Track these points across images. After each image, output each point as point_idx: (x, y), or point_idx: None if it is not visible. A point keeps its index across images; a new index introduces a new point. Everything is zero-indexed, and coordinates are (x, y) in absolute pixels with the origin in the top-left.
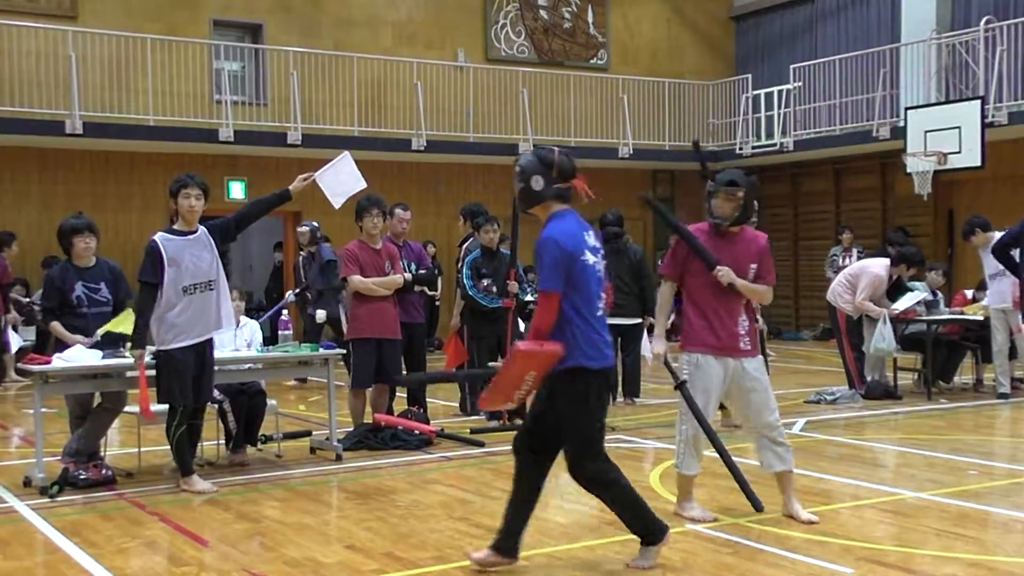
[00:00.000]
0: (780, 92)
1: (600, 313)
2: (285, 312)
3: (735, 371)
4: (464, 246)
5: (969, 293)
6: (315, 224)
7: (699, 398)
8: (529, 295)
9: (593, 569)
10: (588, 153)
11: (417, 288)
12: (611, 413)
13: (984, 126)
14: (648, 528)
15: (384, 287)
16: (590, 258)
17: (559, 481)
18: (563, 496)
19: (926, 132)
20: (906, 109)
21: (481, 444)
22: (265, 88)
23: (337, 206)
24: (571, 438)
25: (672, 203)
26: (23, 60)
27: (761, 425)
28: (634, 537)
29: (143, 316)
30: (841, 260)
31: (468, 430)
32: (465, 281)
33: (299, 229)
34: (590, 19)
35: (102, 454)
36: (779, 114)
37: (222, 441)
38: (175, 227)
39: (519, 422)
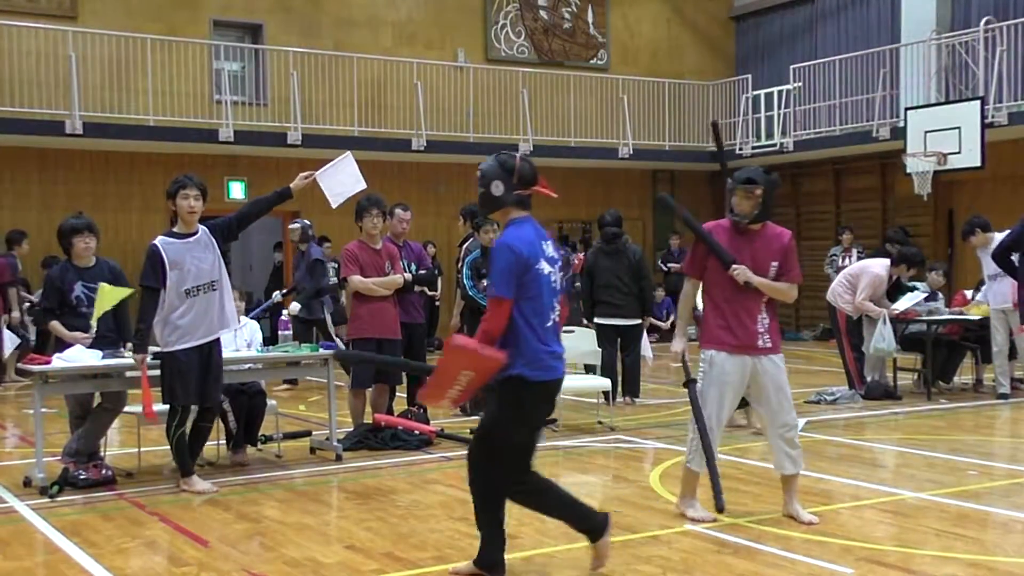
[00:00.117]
0: (780, 92)
1: (551, 324)
2: (285, 312)
3: (753, 369)
4: (464, 246)
5: (969, 293)
6: (307, 222)
7: (712, 394)
8: None
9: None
10: (588, 153)
11: (417, 288)
12: (611, 413)
13: (984, 126)
14: (592, 524)
15: (384, 287)
16: (545, 268)
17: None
18: None
19: (926, 132)
20: (906, 109)
21: None
22: (265, 88)
23: (334, 205)
24: (500, 447)
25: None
26: (23, 60)
27: (776, 424)
28: (634, 536)
29: (144, 320)
30: (841, 260)
31: (468, 430)
32: (465, 281)
33: (291, 226)
34: (590, 19)
35: (102, 454)
36: (779, 114)
37: (222, 441)
38: (175, 230)
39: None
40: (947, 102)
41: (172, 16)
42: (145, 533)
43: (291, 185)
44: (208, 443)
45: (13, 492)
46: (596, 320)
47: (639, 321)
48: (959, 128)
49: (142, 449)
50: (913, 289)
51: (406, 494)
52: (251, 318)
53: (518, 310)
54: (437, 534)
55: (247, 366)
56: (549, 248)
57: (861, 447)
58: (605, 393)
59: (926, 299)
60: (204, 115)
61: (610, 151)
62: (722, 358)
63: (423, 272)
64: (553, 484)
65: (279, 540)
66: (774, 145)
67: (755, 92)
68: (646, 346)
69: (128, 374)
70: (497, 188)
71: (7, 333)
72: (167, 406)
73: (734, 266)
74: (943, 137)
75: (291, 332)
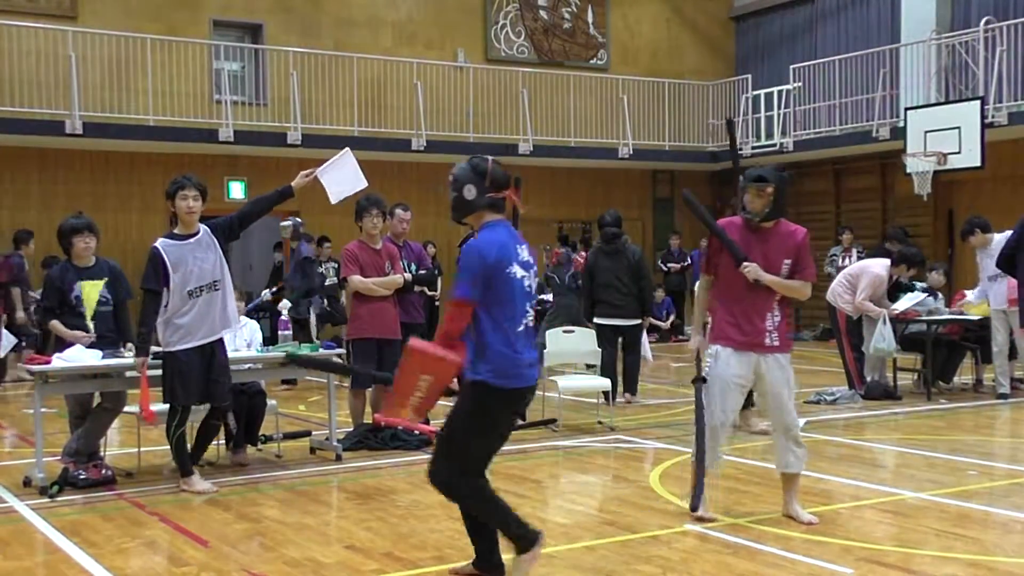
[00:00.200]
0: (780, 92)
1: (522, 328)
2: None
3: (758, 367)
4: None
5: (969, 294)
6: (298, 220)
7: (715, 389)
8: None
9: (593, 569)
10: (588, 153)
11: (417, 288)
12: (611, 413)
13: (984, 126)
14: (527, 532)
15: (384, 287)
16: (518, 272)
17: (559, 482)
18: (563, 496)
19: (926, 132)
20: (906, 109)
21: None
22: (265, 88)
23: (334, 201)
24: (459, 447)
25: (671, 203)
26: (23, 60)
27: (778, 423)
28: (634, 536)
29: (146, 323)
30: (841, 260)
31: None
32: None
33: (282, 224)
34: (590, 19)
35: (102, 454)
36: (779, 114)
37: (222, 441)
38: (176, 231)
39: (519, 422)
40: (947, 102)
41: (172, 16)
42: (145, 533)
43: (292, 183)
44: None
45: (13, 492)
46: (596, 320)
47: (639, 321)
48: (959, 128)
49: (142, 449)
50: (914, 288)
51: (406, 494)
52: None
53: (487, 314)
54: (437, 534)
55: (247, 366)
56: (524, 252)
57: (861, 447)
58: (605, 393)
59: (924, 291)
60: (204, 115)
61: (610, 151)
62: (727, 354)
63: (423, 272)
64: (499, 497)
65: (279, 540)
66: (774, 145)
67: (755, 92)
68: (646, 347)
69: (128, 374)
70: (470, 192)
71: (4, 333)
72: (167, 406)
73: (745, 263)
74: (943, 137)
75: (291, 332)
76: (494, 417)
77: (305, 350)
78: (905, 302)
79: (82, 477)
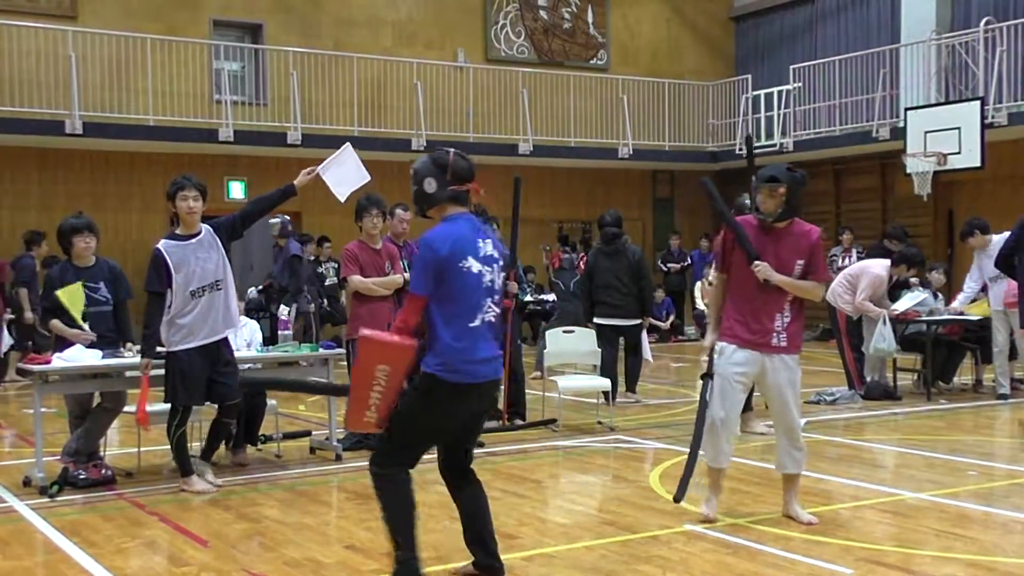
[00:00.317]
0: (780, 92)
1: (476, 324)
2: (285, 312)
3: (763, 366)
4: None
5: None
6: (287, 218)
7: (717, 384)
8: (528, 295)
9: (593, 569)
10: (588, 153)
11: None
12: (611, 413)
13: (984, 127)
14: (407, 562)
15: (384, 287)
16: (475, 266)
17: (559, 482)
18: (563, 496)
19: (926, 133)
20: (906, 110)
21: (480, 444)
22: (265, 88)
23: (342, 199)
24: (396, 430)
25: (671, 203)
26: (23, 60)
27: (780, 424)
28: (634, 536)
29: (151, 325)
30: (841, 260)
31: None
32: None
33: (271, 221)
34: (590, 19)
35: (102, 454)
36: (779, 114)
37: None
38: (177, 232)
39: (519, 422)
40: (947, 102)
41: (172, 16)
42: (145, 533)
43: (295, 182)
44: None
45: (13, 492)
46: (596, 320)
47: (639, 321)
48: (959, 128)
49: (142, 449)
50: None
51: None
52: None
53: (438, 308)
54: (437, 534)
55: (247, 366)
56: (487, 246)
57: (861, 447)
58: (605, 393)
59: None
60: (204, 115)
61: (610, 151)
62: (731, 350)
63: None
64: (413, 502)
65: (279, 540)
66: (774, 145)
67: (755, 92)
68: (646, 348)
69: (128, 374)
70: (430, 185)
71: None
72: (167, 406)
73: (756, 263)
74: (943, 137)
75: (291, 332)
76: (439, 409)
77: (305, 350)
78: (905, 302)
79: (82, 477)
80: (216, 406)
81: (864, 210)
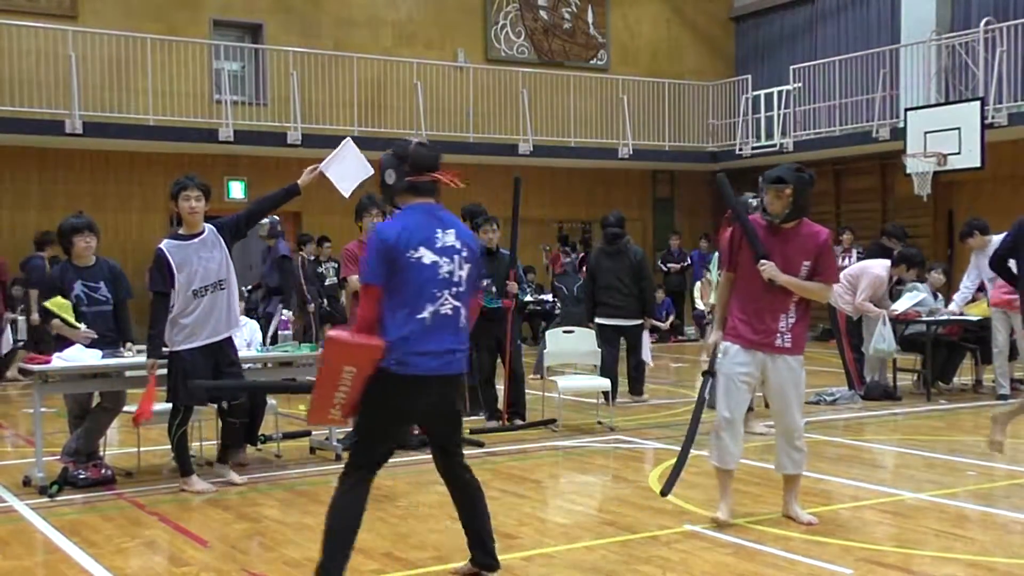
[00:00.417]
0: (780, 93)
1: (424, 316)
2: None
3: (765, 366)
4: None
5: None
6: (276, 218)
7: (719, 383)
8: (528, 295)
9: (593, 569)
10: (588, 153)
11: None
12: (611, 413)
13: (984, 127)
14: (327, 560)
15: None
16: (427, 256)
17: (559, 482)
18: (563, 496)
19: (926, 133)
20: (906, 110)
21: (480, 444)
22: (265, 88)
23: (346, 194)
24: (358, 427)
25: (671, 203)
26: (23, 60)
27: (780, 424)
28: (634, 536)
29: (155, 326)
30: (841, 261)
31: (467, 430)
32: None
33: (259, 222)
34: (590, 19)
35: (101, 454)
36: (779, 115)
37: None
38: (180, 232)
39: (519, 422)
40: (947, 103)
41: (172, 16)
42: (145, 533)
43: (299, 181)
44: (208, 443)
45: (13, 492)
46: (597, 320)
47: (640, 322)
48: (959, 129)
49: (142, 449)
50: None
51: (406, 494)
52: None
53: (388, 298)
54: (437, 534)
55: (247, 366)
56: (447, 237)
57: (861, 448)
58: (605, 393)
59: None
60: (204, 115)
61: (610, 151)
62: (735, 350)
63: None
64: (359, 518)
65: (279, 540)
66: (774, 145)
67: (755, 92)
68: (646, 349)
69: (128, 374)
70: (389, 176)
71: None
72: (167, 407)
73: (762, 262)
74: (943, 138)
75: (291, 332)
76: (391, 402)
77: (304, 350)
78: (905, 302)
79: (82, 477)
80: (215, 406)
81: (864, 210)
